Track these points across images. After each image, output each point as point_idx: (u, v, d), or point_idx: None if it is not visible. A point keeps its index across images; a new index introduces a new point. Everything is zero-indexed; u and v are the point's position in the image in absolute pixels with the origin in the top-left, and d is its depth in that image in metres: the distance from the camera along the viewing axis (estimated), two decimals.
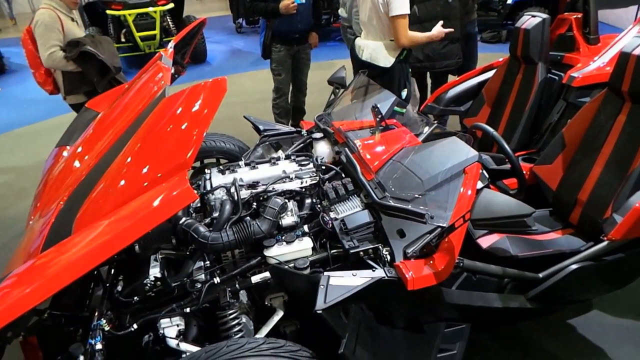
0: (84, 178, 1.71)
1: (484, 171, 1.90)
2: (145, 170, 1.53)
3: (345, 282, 1.56)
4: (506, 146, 1.82)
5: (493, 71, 3.12)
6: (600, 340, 2.25)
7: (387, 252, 1.71)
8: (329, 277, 1.57)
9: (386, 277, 1.62)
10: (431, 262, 1.64)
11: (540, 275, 1.95)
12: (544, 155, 2.42)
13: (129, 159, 1.62)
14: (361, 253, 1.74)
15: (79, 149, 1.97)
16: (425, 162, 1.87)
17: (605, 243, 1.88)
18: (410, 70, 3.33)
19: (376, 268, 1.68)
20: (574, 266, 1.91)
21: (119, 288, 1.92)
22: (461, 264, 1.79)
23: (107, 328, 1.61)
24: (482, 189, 1.86)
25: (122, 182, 1.57)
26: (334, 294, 1.49)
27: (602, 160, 2.17)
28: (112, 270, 2.04)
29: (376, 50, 3.15)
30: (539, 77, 2.74)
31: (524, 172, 2.51)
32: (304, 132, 2.76)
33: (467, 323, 1.89)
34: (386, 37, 3.10)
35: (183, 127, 1.62)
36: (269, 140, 2.82)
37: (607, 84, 2.17)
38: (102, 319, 1.62)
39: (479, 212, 1.42)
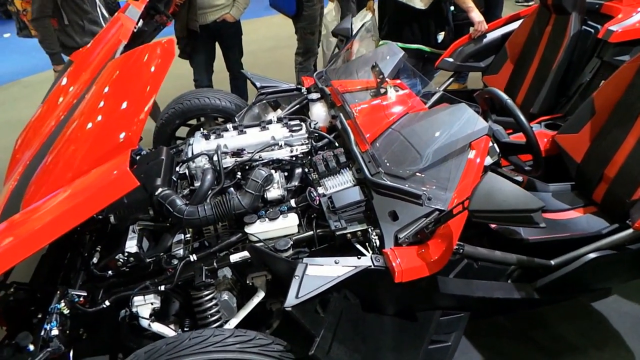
0: (40, 147, 1.55)
1: (495, 145, 1.65)
2: (88, 147, 1.37)
3: (325, 271, 1.39)
4: (522, 117, 1.56)
5: (519, 22, 2.75)
6: (614, 328, 2.07)
7: (376, 236, 1.53)
8: (306, 265, 1.41)
9: (372, 267, 1.44)
10: (425, 250, 1.45)
11: (552, 262, 1.75)
12: (569, 123, 2.14)
13: (73, 134, 1.44)
14: (348, 235, 1.57)
15: (42, 112, 1.80)
16: (426, 133, 1.64)
17: (630, 231, 1.65)
18: (451, 8, 3.03)
19: (363, 254, 1.50)
20: (592, 255, 1.69)
21: (95, 260, 1.82)
22: (461, 251, 1.59)
23: (66, 312, 1.50)
24: (490, 166, 1.63)
25: (66, 159, 1.40)
26: (309, 287, 1.33)
27: (637, 132, 1.88)
28: (91, 240, 1.94)
29: None
30: (571, 30, 2.38)
31: (546, 139, 2.27)
32: (304, 90, 2.52)
33: (466, 312, 1.72)
34: None
35: (124, 104, 1.42)
36: (266, 98, 2.61)
37: None
38: (60, 302, 1.51)
39: (478, 201, 1.21)
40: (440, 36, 3.07)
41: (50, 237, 1.23)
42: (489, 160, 1.64)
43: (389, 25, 3.19)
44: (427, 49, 3.11)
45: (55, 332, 1.43)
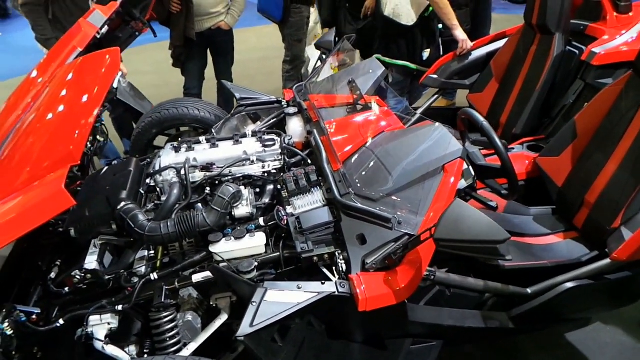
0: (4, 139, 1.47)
1: (470, 167, 1.60)
2: (31, 156, 1.29)
3: (285, 298, 1.32)
4: (497, 140, 1.52)
5: (505, 40, 2.72)
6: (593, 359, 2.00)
7: (343, 260, 1.46)
8: (265, 290, 1.34)
9: (337, 293, 1.37)
10: (392, 277, 1.39)
11: (529, 290, 1.69)
12: (551, 145, 2.10)
13: (20, 142, 1.38)
14: (315, 258, 1.50)
15: (7, 107, 1.72)
16: (399, 153, 1.58)
17: (608, 261, 1.59)
18: (440, 27, 3.02)
19: (329, 279, 1.43)
20: (569, 284, 1.64)
21: (53, 275, 1.74)
22: (432, 277, 1.53)
23: (9, 332, 1.42)
24: (464, 189, 1.57)
25: (11, 168, 1.33)
26: (266, 314, 1.26)
27: (618, 157, 1.84)
28: (51, 254, 1.86)
29: (400, 5, 2.89)
30: (555, 50, 2.35)
31: (528, 162, 2.22)
32: (284, 103, 2.46)
33: (438, 340, 1.65)
34: None
35: (67, 114, 1.36)
36: (245, 110, 2.54)
37: (633, 65, 1.80)
38: (4, 322, 1.42)
39: (444, 230, 1.15)
40: (426, 53, 3.03)
41: None
42: (463, 184, 1.59)
43: (379, 41, 3.16)
44: (413, 66, 3.08)
45: None
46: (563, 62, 2.40)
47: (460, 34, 2.80)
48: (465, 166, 1.58)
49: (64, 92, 1.39)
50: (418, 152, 1.54)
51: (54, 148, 1.30)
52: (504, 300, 1.71)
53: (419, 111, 2.81)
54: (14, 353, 1.49)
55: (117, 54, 1.43)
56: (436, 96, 2.96)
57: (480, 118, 1.57)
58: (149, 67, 5.64)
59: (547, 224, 2.03)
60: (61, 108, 1.38)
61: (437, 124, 1.63)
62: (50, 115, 1.40)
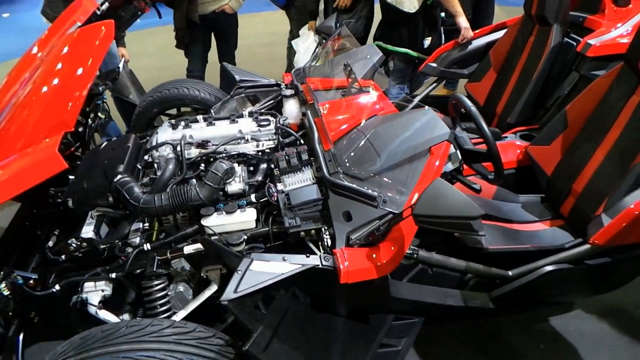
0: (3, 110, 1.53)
1: (458, 152, 1.64)
2: (26, 126, 1.34)
3: (269, 268, 1.37)
4: (483, 124, 1.55)
5: (505, 31, 2.74)
6: (572, 344, 2.05)
7: (328, 236, 1.51)
8: (251, 260, 1.39)
9: (320, 266, 1.42)
10: (375, 252, 1.44)
11: (510, 273, 1.73)
12: (542, 135, 2.13)
13: (17, 112, 1.43)
14: (302, 233, 1.55)
15: (7, 81, 1.77)
16: (388, 135, 1.62)
17: (587, 246, 1.63)
18: (442, 15, 3.02)
19: (314, 253, 1.48)
20: (549, 267, 1.68)
21: (51, 243, 1.80)
22: (415, 255, 1.58)
23: (6, 293, 1.48)
24: (450, 172, 1.61)
25: (9, 136, 1.38)
26: (250, 282, 1.32)
27: (605, 148, 1.87)
28: (49, 223, 1.92)
29: None
30: (552, 42, 2.37)
31: (519, 151, 2.26)
32: (283, 86, 2.50)
33: (420, 318, 1.71)
34: None
35: (61, 84, 1.41)
36: (244, 92, 2.59)
37: (624, 57, 1.83)
38: (1, 283, 1.49)
39: (422, 206, 1.19)
40: (427, 41, 3.05)
41: None
42: (449, 167, 1.63)
43: (381, 28, 3.18)
44: (414, 53, 3.10)
45: None
46: (560, 53, 2.42)
47: (463, 21, 2.81)
48: (452, 150, 1.62)
49: (59, 63, 1.44)
50: (406, 134, 1.58)
51: (48, 116, 1.36)
52: (486, 281, 1.76)
53: (417, 99, 2.84)
54: (11, 314, 1.55)
55: (112, 26, 1.47)
56: (435, 84, 2.99)
57: (469, 103, 1.60)
58: (153, 50, 5.68)
59: (535, 212, 2.07)
60: (56, 78, 1.43)
61: (427, 107, 1.67)
62: (45, 86, 1.45)
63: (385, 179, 1.54)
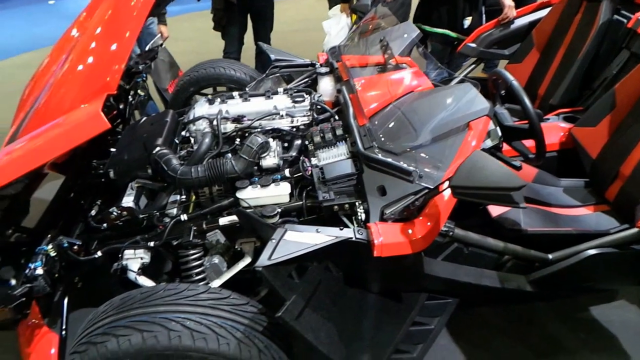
0: (40, 92, 1.60)
1: (497, 128, 1.59)
2: (71, 91, 1.38)
3: (303, 238, 1.38)
4: (526, 100, 1.49)
5: (549, 9, 2.62)
6: (614, 334, 1.97)
7: (362, 210, 1.50)
8: (285, 230, 1.40)
9: (354, 239, 1.42)
10: (410, 228, 1.42)
11: (550, 256, 1.68)
12: (587, 116, 2.04)
13: (61, 79, 1.48)
14: (335, 207, 1.54)
15: (48, 60, 1.84)
16: (425, 110, 1.59)
17: (635, 230, 1.56)
18: None
19: (347, 227, 1.48)
20: (592, 251, 1.62)
21: (94, 212, 1.87)
22: (451, 233, 1.55)
23: (53, 254, 1.55)
24: (489, 149, 1.57)
25: (54, 103, 1.44)
26: (284, 251, 1.32)
27: None
28: (92, 193, 2.00)
29: None
30: (601, 18, 2.24)
31: (563, 133, 2.17)
32: (318, 65, 2.49)
33: (454, 298, 1.68)
34: None
35: (103, 49, 1.45)
36: (279, 71, 2.59)
37: None
38: (48, 245, 1.56)
39: (460, 177, 1.16)
40: (467, 21, 2.96)
41: (18, 172, 1.26)
42: (488, 143, 1.59)
43: (420, 8, 3.11)
44: (453, 34, 3.01)
45: (39, 271, 1.48)
46: (609, 31, 2.29)
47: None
48: (492, 126, 1.58)
49: (100, 28, 1.48)
50: (444, 109, 1.55)
51: (92, 80, 1.40)
52: (524, 264, 1.71)
53: (454, 81, 2.77)
54: (57, 276, 1.62)
55: None
56: (473, 66, 2.90)
57: (511, 77, 1.54)
58: (191, 34, 5.77)
59: (577, 196, 1.99)
60: (98, 43, 1.47)
61: (467, 82, 1.62)
62: (88, 51, 1.50)
63: (421, 154, 1.51)
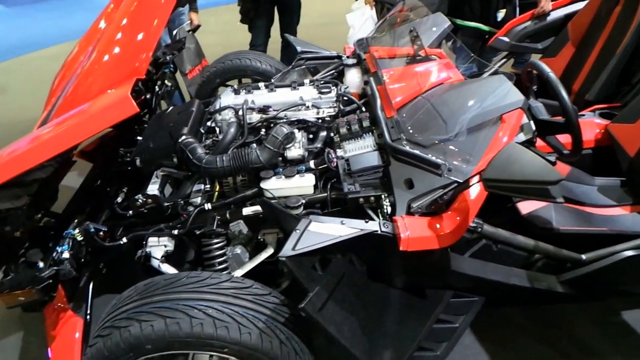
0: (69, 81, 1.62)
1: (531, 122, 1.53)
2: (100, 76, 1.39)
3: (327, 230, 1.35)
4: (562, 91, 1.42)
5: (586, 1, 2.52)
6: None
7: (389, 203, 1.47)
8: (310, 221, 1.38)
9: (379, 232, 1.38)
10: (437, 222, 1.38)
11: (584, 256, 1.61)
12: (625, 112, 1.95)
13: (90, 66, 1.50)
14: (361, 200, 1.51)
15: (77, 49, 1.87)
16: (456, 102, 1.54)
17: None
18: None
19: (373, 219, 1.45)
20: (630, 252, 1.54)
21: (119, 199, 1.89)
22: (479, 229, 1.50)
23: (79, 238, 1.57)
24: (521, 144, 1.50)
25: (84, 89, 1.45)
26: (308, 242, 1.30)
27: None
28: (119, 180, 2.02)
29: None
30: None
31: (598, 130, 2.08)
32: (344, 57, 2.46)
33: (481, 296, 1.63)
34: None
35: (132, 34, 1.45)
36: (305, 63, 2.57)
37: None
38: (75, 229, 1.58)
39: (493, 170, 1.12)
40: (501, 14, 2.87)
41: (47, 155, 1.28)
42: (521, 137, 1.53)
43: (452, 1, 3.04)
44: (485, 27, 2.93)
45: (66, 255, 1.50)
46: None
47: None
48: (525, 119, 1.52)
49: (124, 21, 1.50)
50: (475, 101, 1.50)
51: (119, 67, 1.42)
52: (555, 264, 1.65)
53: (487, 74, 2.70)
54: (83, 261, 1.64)
55: None
56: (504, 60, 2.82)
57: (547, 69, 1.48)
58: (217, 27, 5.80)
59: (613, 196, 1.90)
60: (123, 35, 1.48)
61: (501, 74, 1.57)
62: (122, 35, 1.51)
63: (450, 146, 1.47)
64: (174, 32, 3.11)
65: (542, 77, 1.50)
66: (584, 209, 1.84)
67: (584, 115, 2.22)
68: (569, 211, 1.79)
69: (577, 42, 2.53)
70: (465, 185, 1.29)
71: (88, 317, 1.68)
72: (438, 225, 1.37)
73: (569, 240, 1.68)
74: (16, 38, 6.77)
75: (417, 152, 1.46)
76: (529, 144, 1.54)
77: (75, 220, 1.65)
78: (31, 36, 6.68)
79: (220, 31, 5.67)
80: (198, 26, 3.44)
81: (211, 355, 1.32)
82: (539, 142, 1.67)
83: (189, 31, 3.03)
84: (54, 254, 1.50)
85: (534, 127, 1.54)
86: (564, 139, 1.72)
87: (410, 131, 1.56)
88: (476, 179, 1.26)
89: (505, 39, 2.71)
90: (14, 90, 4.98)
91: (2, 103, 4.67)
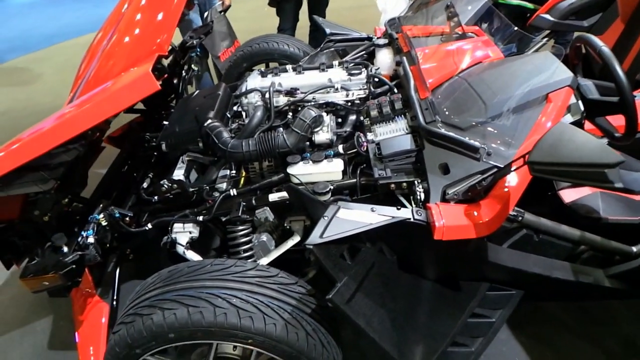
0: (92, 64, 1.60)
1: (580, 102, 1.40)
2: (121, 58, 1.35)
3: (357, 217, 1.28)
4: (617, 66, 1.29)
5: None
6: None
7: (422, 190, 1.38)
8: (338, 207, 1.31)
9: (412, 220, 1.30)
10: (475, 210, 1.28)
11: (634, 249, 1.48)
12: None
13: (111, 47, 1.46)
14: (392, 186, 1.43)
15: (100, 34, 1.85)
16: (497, 81, 1.43)
17: None
18: None
19: (405, 206, 1.37)
20: None
21: (145, 185, 1.87)
22: (520, 218, 1.40)
23: (104, 223, 1.55)
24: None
25: (106, 70, 1.42)
26: (336, 229, 1.24)
27: None
28: (145, 166, 2.00)
29: None
30: None
31: None
32: (375, 39, 2.36)
33: (519, 290, 1.53)
34: None
35: (156, 16, 1.40)
36: (334, 45, 2.49)
37: None
38: (100, 214, 1.56)
39: (541, 152, 1.02)
40: None
41: (70, 134, 1.26)
42: (569, 119, 1.41)
43: None
44: (530, 5, 2.74)
45: (90, 240, 1.48)
46: None
47: None
48: (573, 99, 1.40)
49: (143, 1, 1.46)
50: (518, 79, 1.38)
51: (140, 46, 1.38)
52: (601, 257, 1.53)
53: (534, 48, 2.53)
54: (108, 246, 1.63)
55: None
56: (545, 39, 2.64)
57: (600, 42, 1.35)
58: (244, 14, 5.75)
59: None
60: (142, 16, 1.44)
61: (547, 51, 1.44)
62: (138, 16, 1.48)
63: (490, 128, 1.37)
64: (205, 14, 3.07)
65: (591, 54, 1.37)
66: (635, 197, 1.70)
67: (635, 96, 2.05)
68: (617, 200, 1.65)
69: (627, 18, 2.34)
70: (506, 170, 1.19)
71: (115, 302, 1.67)
72: (475, 213, 1.28)
73: (617, 231, 1.55)
74: (51, 27, 6.93)
75: (453, 134, 1.36)
76: (576, 125, 1.42)
77: (100, 205, 1.63)
78: (66, 25, 6.81)
79: (246, 18, 5.63)
80: (229, 6, 3.38)
81: (235, 347, 1.28)
82: (587, 125, 1.54)
83: (220, 12, 2.97)
84: (79, 239, 1.49)
85: (582, 108, 1.41)
86: (615, 121, 1.58)
87: (446, 113, 1.46)
88: (518, 163, 1.16)
89: (548, 16, 2.53)
90: (48, 79, 5.08)
91: (36, 91, 4.77)
